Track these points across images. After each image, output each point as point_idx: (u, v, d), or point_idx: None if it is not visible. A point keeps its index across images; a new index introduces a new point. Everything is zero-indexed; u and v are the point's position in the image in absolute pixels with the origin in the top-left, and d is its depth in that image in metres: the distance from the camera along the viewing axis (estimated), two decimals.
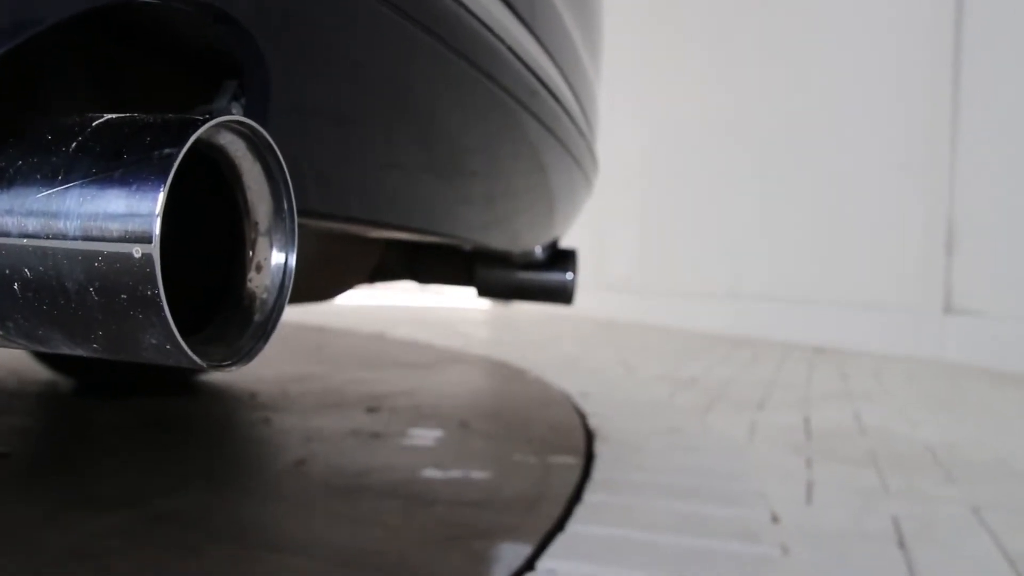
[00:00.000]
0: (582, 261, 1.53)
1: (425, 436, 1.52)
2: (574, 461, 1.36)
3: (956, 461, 1.45)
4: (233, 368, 0.39)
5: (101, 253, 0.34)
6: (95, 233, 0.35)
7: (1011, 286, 3.06)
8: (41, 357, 1.96)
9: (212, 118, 0.36)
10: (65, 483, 1.17)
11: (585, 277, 1.69)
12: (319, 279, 1.48)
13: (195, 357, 0.36)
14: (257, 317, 0.41)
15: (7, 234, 0.36)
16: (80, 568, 0.85)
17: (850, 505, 1.17)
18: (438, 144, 0.73)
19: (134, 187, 0.34)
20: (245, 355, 0.40)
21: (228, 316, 0.41)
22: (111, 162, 0.35)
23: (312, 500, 1.13)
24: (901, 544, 1.00)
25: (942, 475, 1.36)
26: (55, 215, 0.35)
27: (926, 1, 3.44)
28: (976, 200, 3.23)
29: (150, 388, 1.84)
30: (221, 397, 1.84)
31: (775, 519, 1.09)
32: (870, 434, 1.69)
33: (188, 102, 0.48)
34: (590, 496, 1.17)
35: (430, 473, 1.26)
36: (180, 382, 1.91)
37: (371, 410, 1.74)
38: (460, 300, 6.43)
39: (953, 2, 3.29)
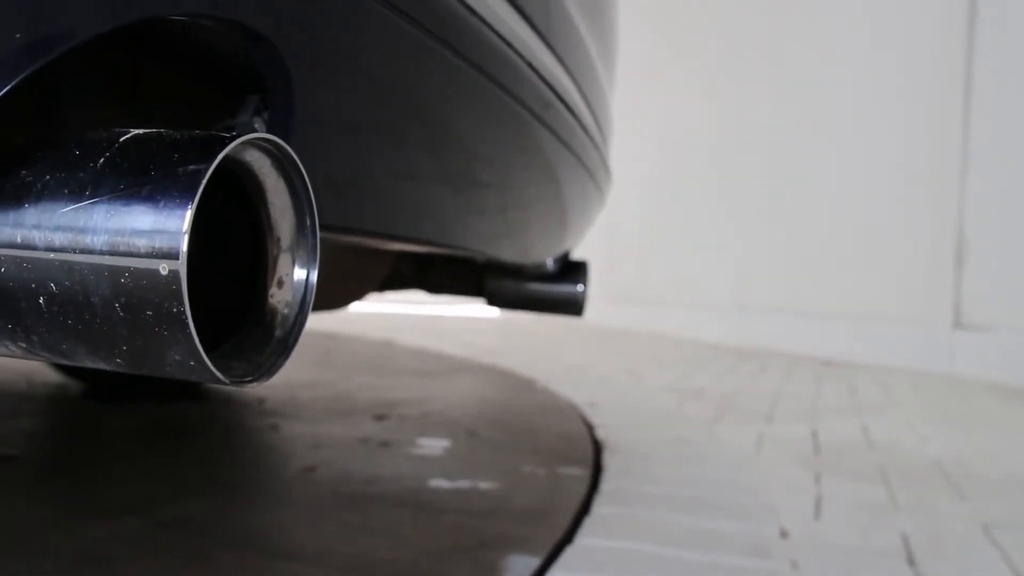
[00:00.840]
0: (590, 270, 1.52)
1: (434, 445, 1.52)
2: (582, 472, 1.36)
3: (966, 477, 1.45)
4: (254, 384, 0.39)
5: (127, 269, 0.35)
6: (122, 249, 0.35)
7: (1020, 300, 3.05)
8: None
9: (239, 135, 0.36)
10: (73, 487, 1.17)
11: (593, 287, 1.69)
12: (332, 289, 1.49)
13: (218, 374, 0.36)
14: (278, 333, 0.42)
15: (34, 248, 0.36)
16: (87, 573, 0.85)
17: (859, 520, 1.16)
18: (456, 157, 0.74)
19: (161, 203, 0.34)
20: (266, 371, 0.40)
21: (249, 331, 0.42)
22: (138, 178, 0.35)
23: (321, 508, 1.13)
24: (910, 560, 1.00)
25: (952, 491, 1.35)
26: (82, 230, 0.36)
27: (936, 9, 3.43)
28: (986, 214, 3.22)
29: (159, 393, 1.85)
30: (230, 403, 1.84)
31: (784, 534, 1.09)
32: (879, 448, 1.68)
33: (210, 115, 0.49)
34: (598, 508, 1.16)
35: (439, 482, 1.26)
36: (189, 387, 1.91)
37: (380, 418, 1.75)
38: (467, 309, 6.43)
39: (964, 10, 3.29)
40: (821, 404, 2.29)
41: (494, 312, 5.96)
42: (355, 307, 1.77)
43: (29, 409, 1.70)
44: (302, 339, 0.43)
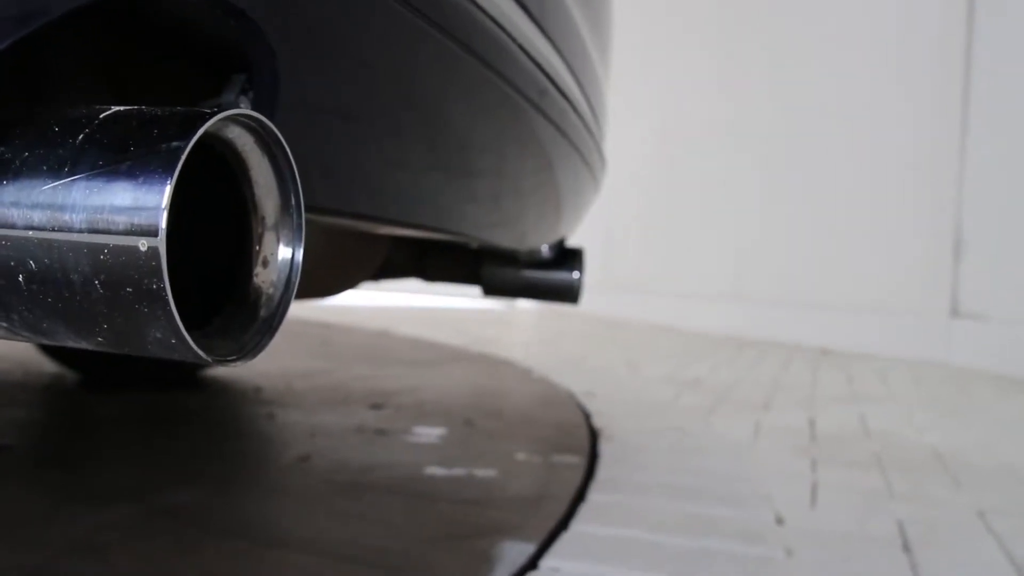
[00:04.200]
0: (587, 260, 1.52)
1: (429, 433, 1.51)
2: (578, 460, 1.36)
3: (962, 465, 1.45)
4: (238, 364, 0.39)
5: (107, 246, 0.34)
6: (101, 226, 0.34)
7: (1018, 290, 3.05)
8: (46, 350, 1.96)
9: (220, 111, 0.36)
10: (68, 476, 1.17)
11: (590, 276, 1.69)
12: (324, 275, 1.48)
13: (200, 352, 0.35)
14: (263, 312, 0.41)
15: (12, 226, 0.36)
16: (82, 562, 0.85)
17: (854, 508, 1.16)
18: (446, 141, 0.73)
19: (141, 180, 0.34)
20: (250, 351, 0.40)
21: (233, 311, 0.41)
22: (118, 154, 0.35)
23: (316, 496, 1.12)
24: (906, 548, 1.00)
25: (948, 479, 1.35)
26: (61, 207, 0.35)
27: (936, 5, 3.42)
28: (984, 204, 3.22)
29: (155, 382, 1.84)
30: (226, 391, 1.84)
31: (779, 521, 1.08)
32: (875, 437, 1.68)
33: (196, 95, 0.48)
34: (594, 495, 1.16)
35: (434, 471, 1.26)
36: (185, 376, 1.91)
37: (376, 406, 1.74)
38: (463, 299, 6.42)
39: (964, 5, 3.28)
40: (818, 393, 2.29)
41: (491, 302, 5.95)
42: (351, 298, 1.77)
43: (24, 398, 1.70)
44: (298, 328, 0.42)
